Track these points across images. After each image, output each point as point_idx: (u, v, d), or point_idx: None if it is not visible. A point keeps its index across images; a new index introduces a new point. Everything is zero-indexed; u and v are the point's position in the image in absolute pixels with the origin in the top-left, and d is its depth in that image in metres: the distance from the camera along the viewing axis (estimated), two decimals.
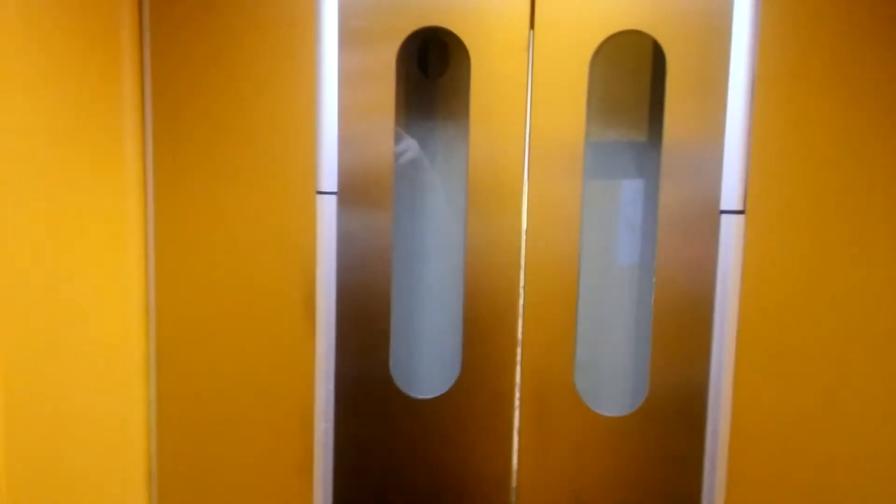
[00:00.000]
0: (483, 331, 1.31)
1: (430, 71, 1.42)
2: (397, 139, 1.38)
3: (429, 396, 1.33)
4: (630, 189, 1.45)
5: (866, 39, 1.21)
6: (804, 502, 1.32)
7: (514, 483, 1.34)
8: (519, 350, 1.31)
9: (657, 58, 1.23)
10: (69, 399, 1.27)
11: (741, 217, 1.22)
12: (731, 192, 1.21)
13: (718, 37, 1.19)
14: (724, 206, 1.21)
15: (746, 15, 1.18)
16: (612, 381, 1.45)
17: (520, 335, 1.31)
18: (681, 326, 1.25)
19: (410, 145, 1.39)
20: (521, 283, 1.29)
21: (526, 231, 1.29)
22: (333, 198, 1.28)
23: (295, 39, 1.29)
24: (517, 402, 1.32)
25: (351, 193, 1.28)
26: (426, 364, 1.48)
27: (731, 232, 1.21)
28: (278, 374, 1.38)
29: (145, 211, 1.40)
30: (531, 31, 1.23)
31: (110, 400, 1.39)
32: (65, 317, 1.25)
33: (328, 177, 1.28)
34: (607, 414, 1.30)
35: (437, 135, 1.42)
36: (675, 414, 1.28)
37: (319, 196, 1.29)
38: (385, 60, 1.25)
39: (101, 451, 1.37)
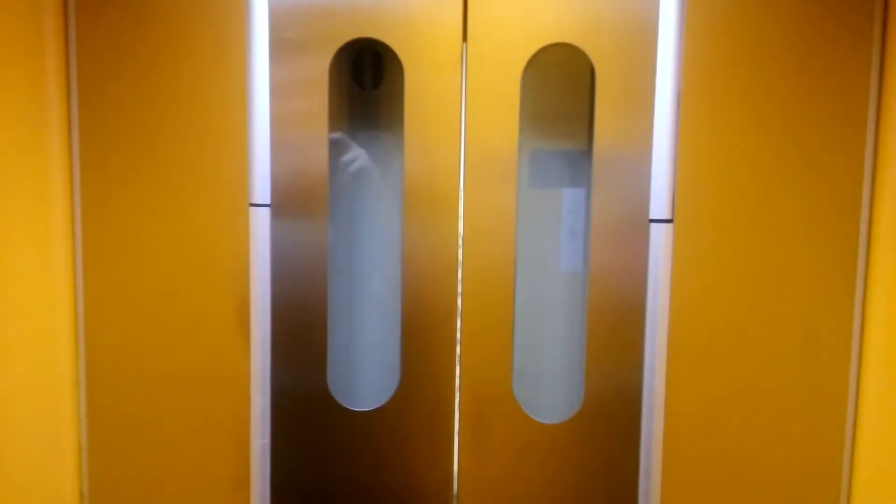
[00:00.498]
0: (421, 340, 1.31)
1: (366, 82, 1.42)
2: (346, 148, 1.37)
3: (368, 408, 1.32)
4: (572, 197, 1.47)
5: (788, 52, 1.26)
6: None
7: (454, 491, 1.34)
8: (458, 359, 1.31)
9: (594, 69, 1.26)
10: None
11: (669, 226, 1.25)
12: (659, 201, 1.24)
13: (645, 49, 1.22)
14: (653, 216, 1.24)
15: (672, 28, 1.22)
16: (551, 387, 1.46)
17: (458, 344, 1.31)
18: (614, 333, 1.28)
19: (359, 154, 1.38)
20: (459, 292, 1.30)
21: (462, 239, 1.29)
22: (267, 210, 1.27)
23: (225, 51, 1.27)
24: (456, 412, 1.32)
25: (285, 205, 1.27)
26: (365, 375, 1.47)
27: (660, 240, 1.24)
28: (212, 390, 1.35)
29: (72, 226, 1.36)
30: (464, 44, 1.24)
31: (40, 419, 1.34)
32: None
33: (261, 189, 1.26)
34: (546, 421, 1.32)
35: (375, 145, 1.42)
36: (611, 419, 1.30)
37: (252, 208, 1.27)
38: (318, 72, 1.25)
39: (31, 472, 1.33)
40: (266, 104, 1.24)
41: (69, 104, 1.34)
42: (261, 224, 1.27)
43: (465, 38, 1.24)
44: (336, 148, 1.34)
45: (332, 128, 1.27)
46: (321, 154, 1.26)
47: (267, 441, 1.31)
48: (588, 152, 1.41)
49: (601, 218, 1.26)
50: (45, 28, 1.30)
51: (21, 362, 1.29)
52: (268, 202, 1.26)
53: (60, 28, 1.32)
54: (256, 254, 1.27)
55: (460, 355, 1.31)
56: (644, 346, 1.27)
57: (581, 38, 1.23)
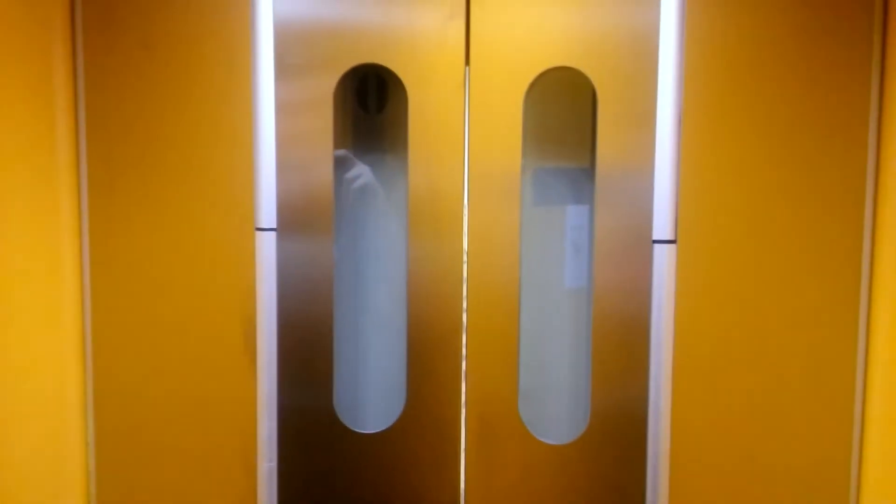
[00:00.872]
0: (427, 359, 1.31)
1: (370, 106, 1.43)
2: (350, 165, 1.38)
3: (374, 430, 1.33)
4: (575, 214, 1.48)
5: (788, 70, 1.27)
6: None
7: None
8: (463, 377, 1.32)
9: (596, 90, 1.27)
10: (3, 444, 1.23)
11: (672, 246, 1.25)
12: (662, 221, 1.24)
13: (646, 70, 1.23)
14: (656, 236, 1.24)
15: (672, 49, 1.23)
16: (556, 406, 1.46)
17: (464, 361, 1.31)
18: (618, 351, 1.28)
19: (363, 171, 1.40)
20: (464, 309, 1.30)
21: (467, 257, 1.30)
22: (273, 234, 1.28)
23: (231, 75, 1.29)
24: (462, 432, 1.32)
25: (290, 228, 1.28)
26: (371, 396, 1.47)
27: (663, 260, 1.25)
28: (220, 412, 1.36)
29: (80, 249, 1.37)
30: (467, 67, 1.26)
31: (47, 441, 1.35)
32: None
33: (267, 213, 1.27)
34: (551, 442, 1.32)
35: (380, 166, 1.43)
36: (617, 438, 1.30)
37: (259, 233, 1.28)
38: (323, 96, 1.26)
39: (38, 494, 1.33)
40: (272, 129, 1.25)
41: (77, 126, 1.35)
42: (267, 248, 1.28)
43: (467, 62, 1.26)
44: (340, 166, 1.35)
45: (336, 151, 1.29)
46: (326, 177, 1.27)
47: (274, 463, 1.31)
48: (591, 170, 1.42)
49: (604, 238, 1.27)
50: (53, 50, 1.32)
51: (28, 385, 1.30)
52: (274, 226, 1.27)
53: (68, 50, 1.34)
54: (262, 277, 1.28)
55: (466, 373, 1.31)
56: (649, 364, 1.27)
57: (582, 60, 1.24)
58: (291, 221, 1.27)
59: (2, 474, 1.23)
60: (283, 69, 1.25)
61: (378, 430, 1.32)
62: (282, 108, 1.25)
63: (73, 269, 1.37)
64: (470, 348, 1.30)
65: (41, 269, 1.32)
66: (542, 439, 1.32)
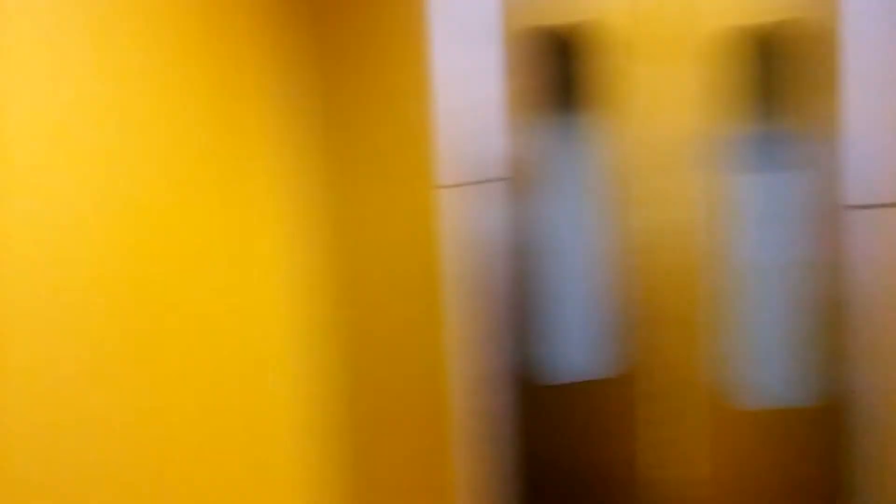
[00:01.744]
0: (624, 324, 1.31)
1: (563, 72, 1.46)
2: (541, 132, 1.41)
3: (569, 385, 1.32)
4: (775, 183, 1.40)
5: None
6: None
7: (661, 475, 1.31)
8: (661, 344, 1.30)
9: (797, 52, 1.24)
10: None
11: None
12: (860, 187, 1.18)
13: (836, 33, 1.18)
14: (862, 202, 1.18)
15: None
16: (755, 375, 1.39)
17: (660, 330, 1.30)
18: (826, 325, 1.21)
19: (556, 137, 1.41)
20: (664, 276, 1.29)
21: (663, 229, 1.29)
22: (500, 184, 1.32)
23: (410, 41, 1.38)
24: (668, 401, 1.30)
25: (493, 185, 1.32)
26: (566, 355, 1.46)
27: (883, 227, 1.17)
28: (409, 366, 1.41)
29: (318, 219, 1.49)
30: (658, 30, 1.26)
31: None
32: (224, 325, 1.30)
33: (466, 169, 1.32)
34: (751, 408, 1.26)
35: (571, 131, 1.44)
36: (819, 411, 1.23)
37: (455, 188, 1.33)
38: (516, 58, 1.29)
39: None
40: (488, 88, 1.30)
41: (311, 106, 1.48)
42: (461, 204, 1.33)
43: (660, 25, 1.26)
44: (532, 132, 1.38)
45: (530, 113, 1.32)
46: (517, 138, 1.31)
47: (475, 419, 1.33)
48: (803, 135, 1.36)
49: (813, 205, 1.22)
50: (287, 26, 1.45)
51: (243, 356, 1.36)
52: (471, 181, 1.32)
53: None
54: (456, 233, 1.33)
55: (662, 339, 1.29)
56: (859, 341, 1.20)
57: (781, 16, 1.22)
58: (491, 177, 1.31)
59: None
60: (472, 32, 1.30)
61: (573, 383, 1.32)
62: (473, 70, 1.30)
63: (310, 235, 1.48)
64: (669, 315, 1.28)
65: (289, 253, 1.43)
66: (739, 405, 1.26)
